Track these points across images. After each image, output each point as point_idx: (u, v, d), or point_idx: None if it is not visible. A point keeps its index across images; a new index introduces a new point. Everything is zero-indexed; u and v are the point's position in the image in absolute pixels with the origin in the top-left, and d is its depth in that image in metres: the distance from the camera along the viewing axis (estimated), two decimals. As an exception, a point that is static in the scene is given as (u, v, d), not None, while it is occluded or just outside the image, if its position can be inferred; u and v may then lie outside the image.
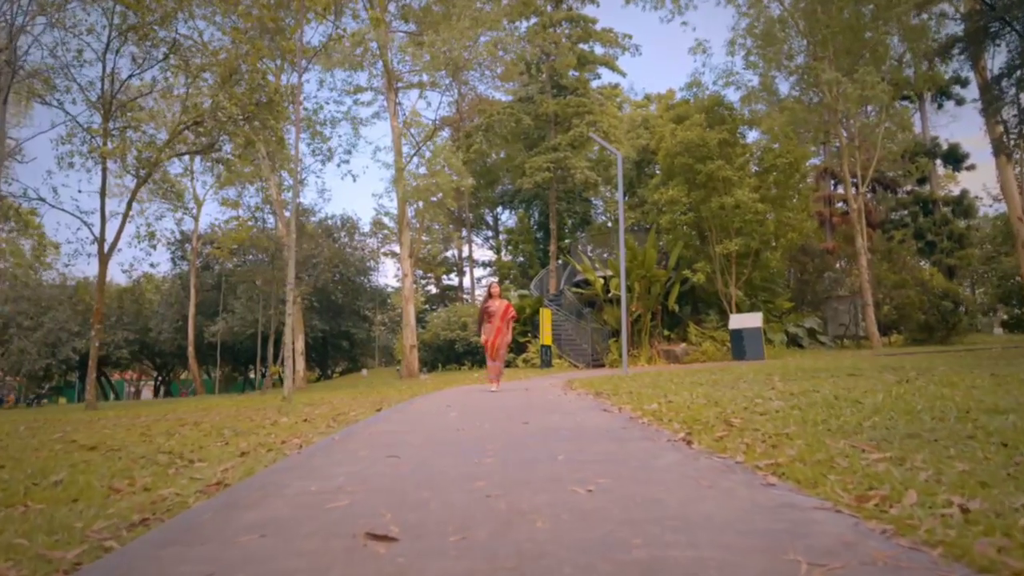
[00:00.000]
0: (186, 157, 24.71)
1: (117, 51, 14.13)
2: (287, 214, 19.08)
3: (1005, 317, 28.48)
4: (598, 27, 27.45)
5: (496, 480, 2.55)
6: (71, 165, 14.45)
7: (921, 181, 30.58)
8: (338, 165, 59.79)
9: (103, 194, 14.28)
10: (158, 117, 21.30)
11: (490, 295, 9.37)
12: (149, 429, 5.28)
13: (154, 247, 18.81)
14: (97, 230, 14.44)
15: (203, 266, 32.50)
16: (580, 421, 4.56)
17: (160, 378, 42.92)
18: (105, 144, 14.02)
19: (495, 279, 30.55)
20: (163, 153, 15.06)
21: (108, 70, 14.20)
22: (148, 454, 3.70)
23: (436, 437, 3.97)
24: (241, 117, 14.06)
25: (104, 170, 14.38)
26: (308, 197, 43.27)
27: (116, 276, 37.82)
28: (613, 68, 28.60)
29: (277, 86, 16.14)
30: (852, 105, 19.52)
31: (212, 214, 60.94)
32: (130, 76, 14.71)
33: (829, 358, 13.38)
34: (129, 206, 14.99)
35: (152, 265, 51.46)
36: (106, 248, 14.39)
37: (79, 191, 27.23)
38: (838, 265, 25.84)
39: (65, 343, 30.78)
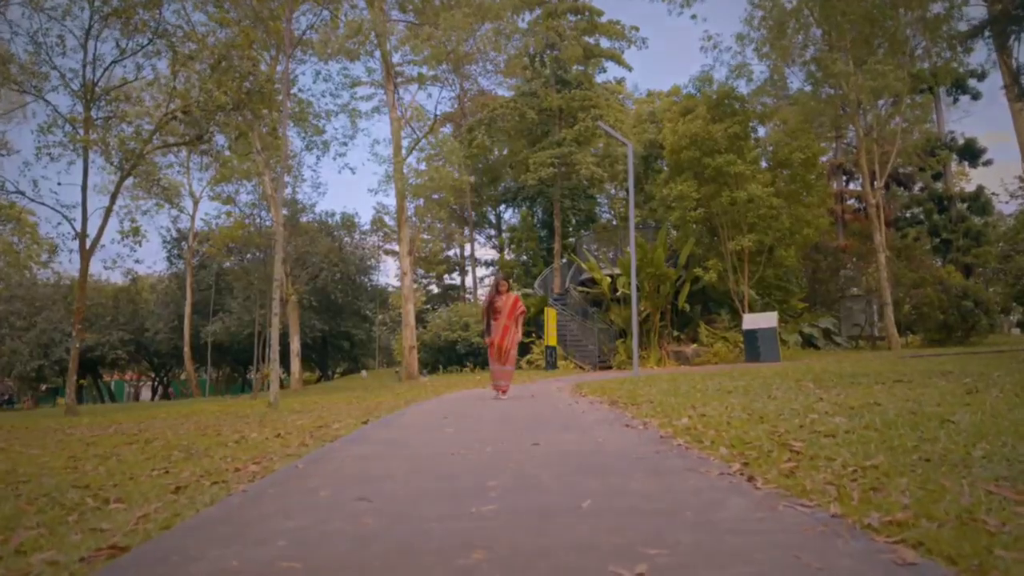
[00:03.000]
0: (182, 153, 23.98)
1: (99, 36, 13.37)
2: (284, 212, 18.36)
3: (1020, 316, 27.57)
4: (603, 20, 26.64)
5: (500, 549, 1.78)
6: (51, 156, 13.66)
7: (935, 177, 29.74)
8: (334, 158, 59.26)
9: (84, 187, 13.51)
10: (153, 112, 20.58)
11: (498, 291, 8.24)
12: (87, 449, 4.50)
13: (139, 243, 18.01)
14: (79, 225, 13.68)
15: (199, 265, 31.75)
16: (601, 442, 3.79)
17: (158, 379, 42.16)
18: (87, 134, 13.26)
19: (500, 274, 29.61)
20: (148, 144, 14.28)
21: (89, 56, 13.43)
22: (58, 489, 2.93)
23: (424, 466, 3.20)
24: (231, 106, 13.29)
25: (86, 162, 13.61)
26: (303, 192, 42.58)
27: (112, 276, 37.09)
28: (619, 62, 27.75)
29: (270, 74, 15.39)
30: (867, 97, 18.68)
31: (209, 212, 60.22)
32: (113, 62, 13.93)
33: (851, 360, 12.57)
34: (113, 200, 14.20)
35: (137, 261, 50.70)
36: (88, 244, 13.65)
37: (59, 184, 25.99)
38: (850, 264, 25.00)
39: (58, 344, 30.09)
